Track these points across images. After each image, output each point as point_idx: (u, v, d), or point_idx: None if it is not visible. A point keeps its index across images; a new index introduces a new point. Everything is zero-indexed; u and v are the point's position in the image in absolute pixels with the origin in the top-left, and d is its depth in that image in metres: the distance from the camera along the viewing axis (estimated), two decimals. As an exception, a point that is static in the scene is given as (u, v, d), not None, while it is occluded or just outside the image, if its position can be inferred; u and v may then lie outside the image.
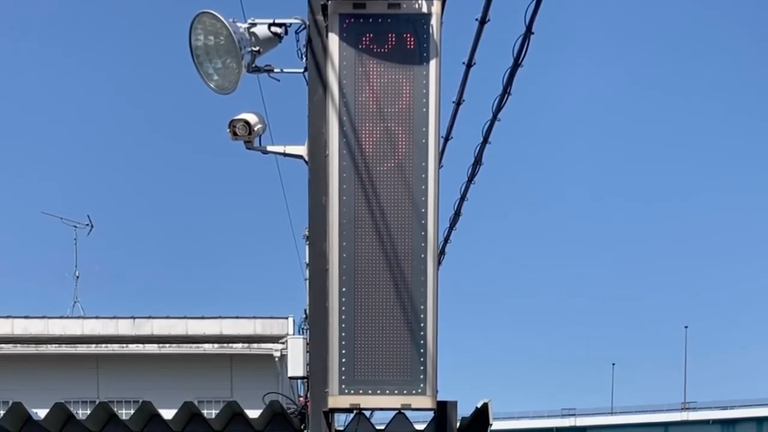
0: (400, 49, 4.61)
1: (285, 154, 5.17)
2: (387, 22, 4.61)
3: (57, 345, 13.73)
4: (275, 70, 5.14)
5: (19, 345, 13.69)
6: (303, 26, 4.96)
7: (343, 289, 4.68)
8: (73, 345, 13.74)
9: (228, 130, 5.04)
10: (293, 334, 13.33)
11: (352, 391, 4.70)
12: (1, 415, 5.93)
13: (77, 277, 16.63)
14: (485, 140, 6.11)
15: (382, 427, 6.18)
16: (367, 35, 4.61)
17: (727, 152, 70.01)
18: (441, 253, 8.13)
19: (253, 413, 6.20)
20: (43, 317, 14.04)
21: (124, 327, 13.95)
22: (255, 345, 13.88)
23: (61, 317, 14.41)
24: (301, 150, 5.06)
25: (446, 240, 8.19)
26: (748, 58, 67.34)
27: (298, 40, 5.02)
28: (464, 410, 5.63)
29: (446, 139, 6.22)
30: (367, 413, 6.24)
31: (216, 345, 13.93)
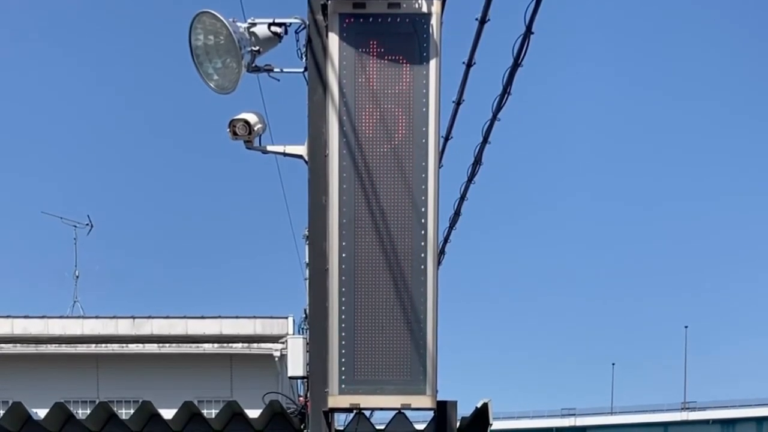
0: (400, 48, 4.61)
1: (285, 154, 5.17)
2: (387, 22, 4.61)
3: (57, 345, 13.73)
4: (275, 70, 5.14)
5: (18, 345, 13.68)
6: (303, 26, 4.96)
7: (343, 289, 4.67)
8: (73, 345, 13.74)
9: (228, 129, 5.03)
10: (293, 334, 13.33)
11: (352, 391, 4.69)
12: (1, 414, 5.93)
13: (77, 277, 16.63)
14: (485, 140, 6.11)
15: (382, 427, 6.18)
16: (367, 35, 4.61)
17: (728, 152, 70.11)
18: (441, 253, 8.13)
19: (253, 413, 6.20)
20: (43, 317, 14.03)
21: (123, 327, 13.95)
22: (255, 345, 13.87)
23: (61, 317, 14.40)
24: (301, 150, 5.06)
25: (446, 240, 8.19)
26: (749, 58, 67.40)
27: (298, 40, 5.02)
28: (464, 410, 5.63)
29: (446, 139, 6.21)
30: (367, 413, 6.24)
31: (216, 345, 13.93)
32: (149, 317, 14.07)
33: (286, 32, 5.02)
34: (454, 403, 5.19)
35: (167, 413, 6.05)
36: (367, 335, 4.68)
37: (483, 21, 5.02)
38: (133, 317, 14.04)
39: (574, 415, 44.25)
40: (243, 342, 13.96)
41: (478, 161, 6.41)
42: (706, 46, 70.55)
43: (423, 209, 4.66)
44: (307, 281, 7.49)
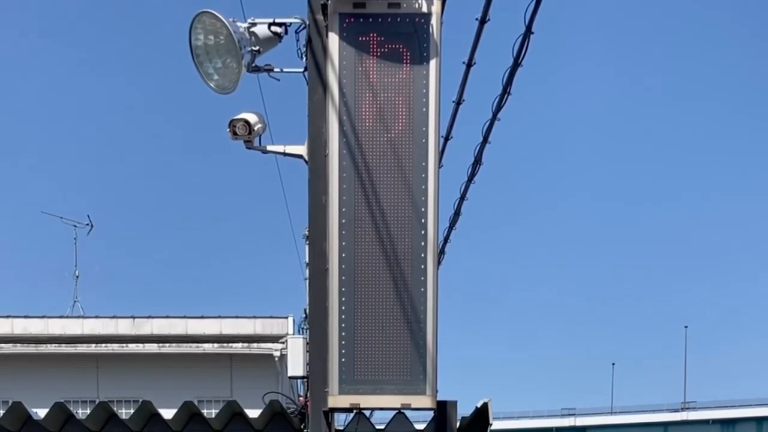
0: (400, 48, 4.61)
1: (285, 154, 5.17)
2: (387, 22, 4.61)
3: (57, 344, 13.73)
4: (275, 70, 5.14)
5: (18, 344, 13.69)
6: (303, 26, 4.96)
7: (343, 289, 4.68)
8: (72, 344, 13.74)
9: (228, 129, 5.04)
10: (293, 334, 13.34)
11: (351, 391, 4.70)
12: (1, 414, 5.93)
13: (77, 277, 16.63)
14: (485, 140, 6.11)
15: (382, 427, 6.18)
16: (368, 35, 4.61)
17: (728, 152, 70.04)
18: (441, 253, 8.13)
19: (252, 413, 6.20)
20: (43, 317, 14.03)
21: (123, 326, 13.95)
22: (255, 345, 13.88)
23: (60, 317, 14.41)
24: (301, 150, 5.06)
25: (446, 240, 8.20)
26: (749, 58, 67.40)
27: (298, 40, 5.03)
28: (464, 410, 5.63)
29: (446, 139, 6.22)
30: (367, 413, 6.24)
31: (216, 344, 13.94)
32: (149, 317, 14.07)
33: (286, 32, 5.02)
34: (454, 403, 5.19)
35: (167, 413, 6.05)
36: (367, 335, 4.68)
37: (483, 21, 5.02)
38: (133, 317, 14.04)
39: (574, 415, 44.24)
40: (243, 342, 13.96)
41: (478, 161, 6.42)
42: (706, 46, 70.54)
43: (423, 209, 4.66)
44: (307, 281, 7.50)
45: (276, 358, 13.61)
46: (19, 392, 9.99)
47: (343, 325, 4.67)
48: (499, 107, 5.52)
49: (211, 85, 5.03)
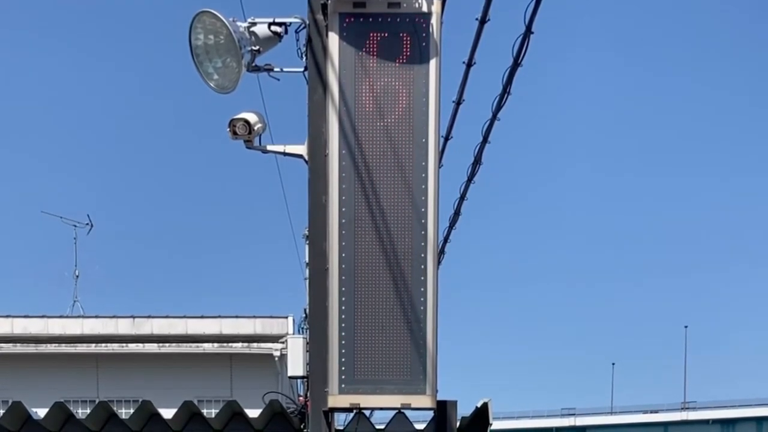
0: (400, 48, 4.61)
1: (285, 154, 5.17)
2: (387, 21, 4.60)
3: (57, 344, 13.73)
4: (275, 70, 5.14)
5: (18, 344, 13.68)
6: (303, 25, 4.96)
7: (343, 289, 4.67)
8: (72, 344, 13.74)
9: (228, 129, 5.03)
10: (293, 334, 13.34)
11: (351, 391, 4.69)
12: (1, 414, 5.92)
13: (77, 277, 16.64)
14: (485, 140, 6.11)
15: (382, 427, 6.18)
16: (367, 34, 4.60)
17: (729, 152, 70.07)
18: (441, 253, 8.13)
19: (252, 413, 6.20)
20: (43, 316, 14.03)
21: (123, 326, 13.95)
22: (255, 344, 13.87)
23: (60, 316, 14.41)
24: (301, 149, 5.06)
25: (446, 240, 8.20)
26: (749, 56, 67.38)
27: (298, 40, 5.02)
28: (464, 410, 5.63)
29: (446, 139, 6.22)
30: (367, 413, 6.24)
31: (216, 344, 13.93)
32: (149, 317, 14.07)
33: (286, 32, 5.02)
34: (454, 403, 5.19)
35: (167, 413, 6.05)
36: (367, 335, 4.67)
37: (483, 21, 5.02)
38: (133, 317, 14.04)
39: (574, 415, 44.25)
40: (243, 342, 13.96)
41: (478, 161, 6.42)
42: (706, 46, 70.54)
43: (423, 209, 4.65)
44: (307, 281, 7.50)
45: (276, 358, 13.61)
46: (19, 392, 9.99)
47: (343, 325, 4.67)
48: (499, 107, 5.52)
49: (211, 84, 5.02)
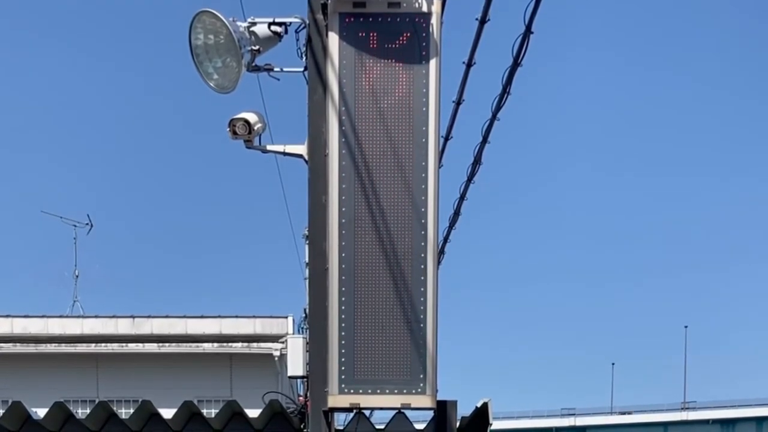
0: (400, 48, 4.60)
1: (285, 154, 5.17)
2: (387, 21, 4.60)
3: (56, 344, 13.72)
4: (275, 69, 5.14)
5: (18, 344, 13.68)
6: (303, 25, 4.95)
7: (343, 289, 4.67)
8: (72, 344, 13.73)
9: (228, 129, 5.03)
10: (293, 334, 13.33)
11: (351, 391, 4.69)
12: (1, 414, 5.92)
13: (77, 277, 16.64)
14: (485, 140, 6.11)
15: (382, 427, 6.18)
16: (367, 34, 4.60)
17: (729, 152, 70.05)
18: (441, 253, 8.13)
19: (252, 412, 6.20)
20: (43, 316, 14.03)
21: (123, 326, 13.94)
22: (255, 344, 13.87)
23: (60, 316, 14.40)
24: (301, 149, 5.06)
25: (446, 239, 8.19)
26: (749, 56, 67.34)
27: (298, 39, 5.02)
28: (464, 410, 5.63)
29: (446, 139, 6.21)
30: (367, 413, 6.24)
31: (216, 344, 13.93)
32: (149, 317, 14.06)
33: (286, 31, 5.02)
34: (454, 403, 5.19)
35: (167, 413, 6.05)
36: (367, 335, 4.67)
37: (483, 21, 5.02)
38: (133, 317, 14.04)
39: (574, 415, 44.26)
40: (243, 341, 13.96)
41: (477, 161, 6.41)
42: (706, 46, 70.54)
43: (423, 209, 4.65)
44: (307, 281, 7.49)
45: (276, 358, 13.60)
46: (19, 392, 9.99)
47: (343, 325, 4.67)
48: (498, 107, 5.52)
49: (211, 84, 5.02)
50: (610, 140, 71.31)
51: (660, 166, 72.57)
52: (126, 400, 12.59)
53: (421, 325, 4.67)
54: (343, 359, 4.67)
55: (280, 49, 5.07)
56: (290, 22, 5.00)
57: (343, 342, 4.67)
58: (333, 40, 4.62)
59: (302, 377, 10.27)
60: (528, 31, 4.78)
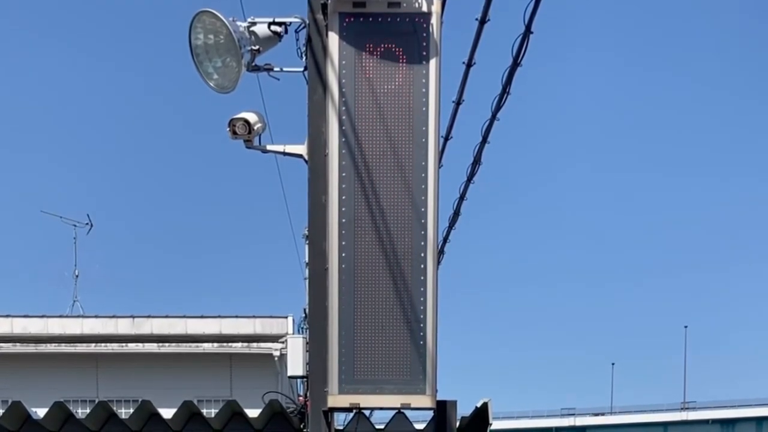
0: (400, 48, 4.60)
1: (285, 153, 5.17)
2: (387, 21, 4.60)
3: (56, 344, 13.71)
4: (275, 69, 5.14)
5: (18, 344, 13.67)
6: (303, 25, 4.95)
7: (343, 289, 4.67)
8: (72, 344, 13.72)
9: (228, 129, 5.03)
10: (293, 334, 13.32)
11: (351, 391, 4.69)
12: (1, 414, 5.92)
13: (77, 276, 16.63)
14: (485, 140, 6.11)
15: (382, 427, 6.19)
16: (367, 34, 4.60)
17: (729, 152, 70.05)
18: (440, 253, 8.13)
19: (252, 412, 6.20)
20: (43, 316, 14.02)
21: (123, 326, 13.94)
22: (254, 344, 13.86)
23: (60, 316, 14.39)
24: (301, 149, 5.06)
25: (445, 240, 8.19)
26: (749, 56, 67.34)
27: (297, 39, 5.02)
28: (464, 410, 5.63)
29: (446, 139, 6.21)
30: (367, 412, 6.24)
31: (215, 344, 13.92)
32: (149, 316, 14.05)
33: (286, 31, 5.02)
34: (454, 403, 5.19)
35: (167, 413, 6.05)
36: (367, 335, 4.67)
37: (483, 21, 5.02)
38: (133, 316, 14.03)
39: (573, 415, 44.26)
40: (243, 341, 13.95)
41: (477, 161, 6.42)
42: (706, 46, 70.55)
43: (423, 209, 4.65)
44: (307, 281, 7.49)
45: (276, 358, 13.60)
46: (19, 392, 9.98)
47: (342, 325, 4.67)
48: (498, 107, 5.52)
49: (211, 84, 5.02)
50: (610, 140, 71.34)
51: (660, 166, 72.62)
52: (126, 400, 12.58)
53: (421, 325, 4.67)
54: (342, 359, 4.67)
55: (280, 49, 5.07)
56: (290, 22, 5.00)
57: (342, 342, 4.67)
58: (333, 40, 4.62)
59: (302, 377, 10.27)
60: (528, 31, 4.78)
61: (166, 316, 14.08)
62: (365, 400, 4.73)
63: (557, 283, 76.00)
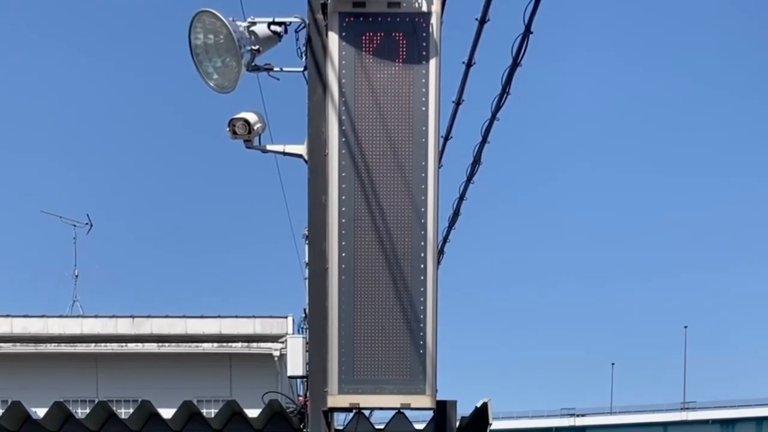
0: (399, 48, 4.60)
1: (284, 153, 5.17)
2: (387, 21, 4.60)
3: (56, 344, 13.71)
4: (275, 69, 5.13)
5: (18, 344, 13.67)
6: (303, 25, 4.95)
7: (343, 289, 4.67)
8: (72, 344, 13.72)
9: (227, 129, 5.03)
10: (293, 334, 13.32)
11: (351, 391, 4.69)
12: (1, 413, 5.92)
13: (76, 276, 16.63)
14: (484, 140, 6.11)
15: (382, 427, 6.19)
16: (367, 34, 4.60)
17: (729, 152, 70.06)
18: (440, 253, 8.13)
19: (252, 412, 6.20)
20: (43, 316, 14.02)
21: (123, 326, 13.94)
22: (254, 344, 13.86)
23: (60, 316, 14.39)
24: (301, 149, 5.05)
25: (445, 240, 8.19)
26: (749, 56, 67.36)
27: (297, 39, 5.02)
28: (464, 410, 5.63)
29: (446, 139, 6.21)
30: (367, 413, 6.24)
31: (215, 344, 13.92)
32: (148, 316, 14.05)
33: (285, 31, 5.02)
34: (454, 403, 5.19)
35: (167, 413, 6.05)
36: (367, 335, 4.67)
37: (483, 21, 5.02)
38: (133, 316, 14.03)
39: (573, 415, 44.25)
40: (242, 341, 13.95)
41: (477, 161, 6.42)
42: (706, 46, 70.56)
43: (423, 209, 4.65)
44: (307, 281, 7.49)
45: (275, 358, 13.60)
46: (19, 391, 9.97)
47: (342, 325, 4.67)
48: (498, 107, 5.52)
49: (211, 84, 5.02)
50: (610, 140, 71.28)
51: (660, 166, 72.62)
52: (126, 400, 12.57)
53: (421, 325, 4.66)
54: (342, 359, 4.67)
55: (280, 48, 5.07)
56: (290, 22, 5.00)
57: (342, 342, 4.67)
58: (333, 39, 4.62)
59: (302, 377, 10.27)
60: (527, 31, 4.78)
61: (166, 316, 14.08)
62: (365, 400, 4.73)
63: (557, 283, 76.03)
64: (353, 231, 4.67)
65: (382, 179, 4.65)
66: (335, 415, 5.26)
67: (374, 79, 4.62)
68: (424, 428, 6.07)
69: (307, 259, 10.32)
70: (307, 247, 10.30)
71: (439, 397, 4.85)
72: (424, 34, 4.59)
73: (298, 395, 11.93)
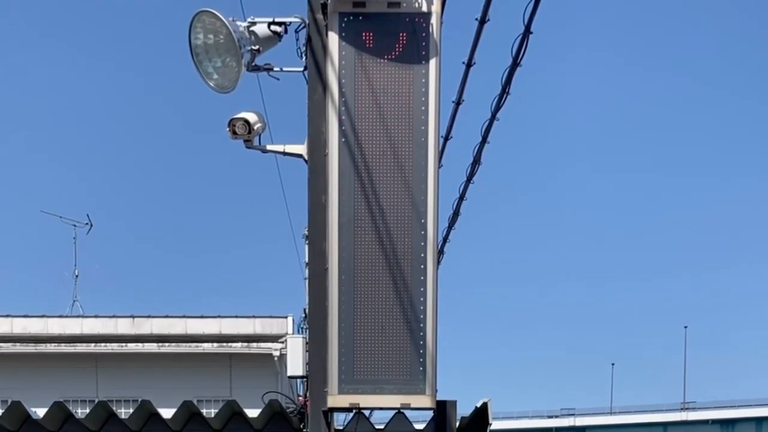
0: (399, 48, 4.60)
1: (284, 153, 5.17)
2: (387, 21, 4.60)
3: (56, 344, 13.71)
4: (275, 69, 5.14)
5: (18, 344, 13.66)
6: (303, 25, 4.95)
7: (343, 289, 4.67)
8: (72, 344, 13.72)
9: (227, 129, 5.03)
10: (293, 334, 13.32)
11: (351, 391, 4.69)
12: (1, 413, 5.92)
13: (76, 276, 16.62)
14: (484, 140, 6.11)
15: (382, 427, 6.19)
16: (367, 34, 4.60)
17: (729, 152, 70.08)
18: (440, 253, 8.13)
19: (252, 412, 6.20)
20: (43, 316, 14.01)
21: (123, 326, 13.93)
22: (254, 344, 13.86)
23: (60, 316, 14.38)
24: (301, 149, 5.05)
25: (445, 240, 8.19)
26: (749, 56, 67.35)
27: (297, 39, 5.02)
28: (464, 410, 5.63)
29: (446, 139, 6.21)
30: (367, 413, 6.24)
31: (215, 344, 13.92)
32: (148, 316, 14.05)
33: (285, 31, 5.02)
34: (454, 403, 5.19)
35: (167, 412, 6.05)
36: (367, 335, 4.67)
37: (483, 21, 5.02)
38: (133, 316, 14.03)
39: (573, 415, 44.27)
40: (242, 341, 13.95)
41: (477, 161, 6.42)
42: (706, 46, 70.57)
43: (423, 209, 4.65)
44: (307, 281, 7.49)
45: (275, 358, 13.59)
46: (19, 391, 9.95)
47: (342, 325, 4.67)
48: (498, 107, 5.51)
49: (211, 84, 5.02)
50: (610, 140, 71.34)
51: (660, 166, 72.62)
52: (126, 400, 12.57)
53: (421, 325, 4.66)
54: (342, 359, 4.67)
55: (280, 48, 5.07)
56: (290, 22, 5.00)
57: (342, 342, 4.67)
58: (333, 39, 4.62)
59: (302, 377, 10.27)
60: (527, 31, 4.78)
61: (166, 316, 14.08)
62: (365, 400, 4.73)
63: (557, 283, 76.08)
64: (353, 231, 4.67)
65: (382, 179, 4.65)
66: (335, 415, 5.27)
67: (374, 79, 4.62)
68: (424, 428, 6.07)
69: (307, 259, 10.32)
70: (307, 247, 10.30)
71: (439, 397, 4.85)
72: (424, 34, 4.59)
73: (298, 395, 11.93)
